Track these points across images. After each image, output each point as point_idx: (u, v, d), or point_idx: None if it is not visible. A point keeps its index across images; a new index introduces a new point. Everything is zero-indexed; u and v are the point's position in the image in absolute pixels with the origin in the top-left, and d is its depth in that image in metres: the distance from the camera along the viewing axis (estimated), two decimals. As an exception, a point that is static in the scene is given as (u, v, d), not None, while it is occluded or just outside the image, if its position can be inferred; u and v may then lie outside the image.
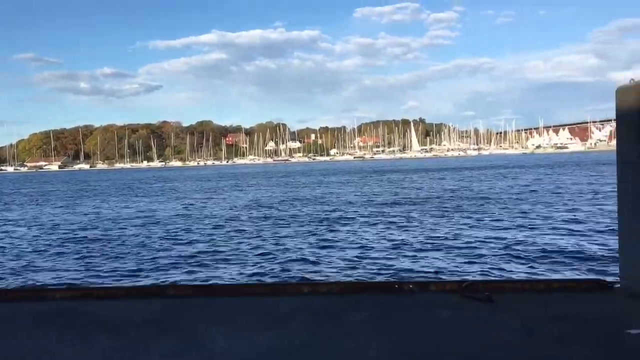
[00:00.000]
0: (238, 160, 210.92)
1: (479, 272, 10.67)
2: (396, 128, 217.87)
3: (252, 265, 12.20)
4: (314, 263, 12.16)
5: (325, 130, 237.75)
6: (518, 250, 13.02)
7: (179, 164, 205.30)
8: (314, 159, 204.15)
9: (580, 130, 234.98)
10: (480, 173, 57.33)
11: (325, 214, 22.49)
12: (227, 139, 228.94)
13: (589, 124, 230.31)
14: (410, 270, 11.02)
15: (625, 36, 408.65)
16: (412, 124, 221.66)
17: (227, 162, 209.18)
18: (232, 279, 10.78)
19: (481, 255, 12.45)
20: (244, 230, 18.34)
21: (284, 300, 4.20)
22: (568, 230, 15.95)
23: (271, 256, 13.27)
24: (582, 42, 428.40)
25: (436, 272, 10.94)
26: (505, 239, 14.68)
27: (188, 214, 25.09)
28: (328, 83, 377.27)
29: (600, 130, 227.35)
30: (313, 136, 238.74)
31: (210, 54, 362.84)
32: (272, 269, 11.67)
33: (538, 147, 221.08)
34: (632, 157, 4.18)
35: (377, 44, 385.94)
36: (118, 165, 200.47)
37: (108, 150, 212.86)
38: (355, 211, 23.20)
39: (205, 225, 20.28)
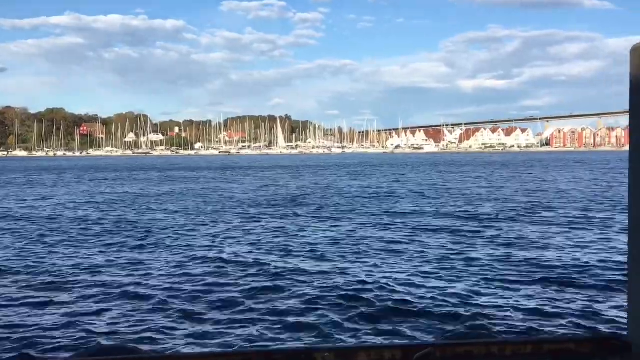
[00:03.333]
0: (93, 152, 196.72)
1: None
2: (263, 124, 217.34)
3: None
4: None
5: (190, 123, 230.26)
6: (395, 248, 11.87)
7: (24, 154, 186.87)
8: (177, 153, 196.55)
9: (434, 132, 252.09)
10: (355, 171, 57.84)
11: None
12: (82, 128, 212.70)
13: (442, 127, 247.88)
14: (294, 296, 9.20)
15: (471, 47, 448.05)
16: (278, 120, 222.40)
17: (81, 153, 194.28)
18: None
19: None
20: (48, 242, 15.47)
21: None
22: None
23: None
24: (434, 51, 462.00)
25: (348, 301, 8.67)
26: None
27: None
28: (193, 76, 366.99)
29: (451, 133, 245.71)
30: (177, 129, 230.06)
31: (64, 37, 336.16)
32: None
33: (397, 147, 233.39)
34: None
35: (243, 39, 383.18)
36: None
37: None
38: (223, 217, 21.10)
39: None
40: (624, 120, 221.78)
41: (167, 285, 9.63)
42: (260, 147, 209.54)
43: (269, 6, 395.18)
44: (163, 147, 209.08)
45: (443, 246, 13.44)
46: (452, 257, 12.10)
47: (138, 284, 9.75)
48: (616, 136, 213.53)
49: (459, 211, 20.54)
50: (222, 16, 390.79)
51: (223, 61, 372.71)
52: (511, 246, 13.36)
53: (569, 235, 15.05)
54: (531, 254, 12.40)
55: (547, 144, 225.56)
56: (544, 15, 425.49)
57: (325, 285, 9.62)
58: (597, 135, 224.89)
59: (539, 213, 20.13)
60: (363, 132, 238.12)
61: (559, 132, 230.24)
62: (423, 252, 12.73)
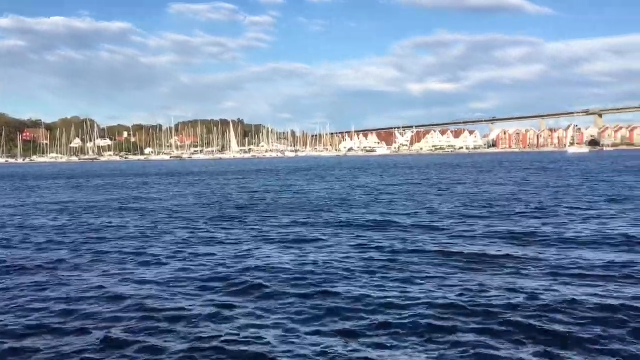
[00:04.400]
0: (37, 158, 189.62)
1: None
2: (215, 128, 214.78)
3: None
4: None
5: (139, 127, 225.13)
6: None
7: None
8: (125, 158, 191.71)
9: (386, 134, 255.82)
10: (315, 174, 57.76)
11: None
12: (24, 134, 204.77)
13: (393, 130, 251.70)
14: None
15: (419, 51, 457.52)
16: (231, 124, 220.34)
17: (24, 159, 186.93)
18: None
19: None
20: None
21: None
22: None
23: None
24: (383, 55, 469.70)
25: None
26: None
27: None
28: (142, 79, 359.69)
29: (402, 136, 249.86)
30: (125, 134, 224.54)
31: (5, 40, 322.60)
32: None
33: (350, 149, 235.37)
34: None
35: (193, 42, 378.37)
36: None
37: None
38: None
39: None
40: (565, 121, 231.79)
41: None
42: (212, 151, 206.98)
43: (218, 9, 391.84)
44: (111, 153, 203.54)
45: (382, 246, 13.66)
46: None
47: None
48: (557, 137, 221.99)
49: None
50: (170, 18, 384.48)
51: (172, 64, 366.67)
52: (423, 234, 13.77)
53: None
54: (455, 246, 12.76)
55: (494, 145, 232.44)
56: (488, 20, 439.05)
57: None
58: (540, 136, 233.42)
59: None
60: (316, 135, 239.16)
61: (505, 133, 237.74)
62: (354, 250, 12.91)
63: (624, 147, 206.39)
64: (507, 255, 11.29)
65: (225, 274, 10.09)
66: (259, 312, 7.81)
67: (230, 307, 8.08)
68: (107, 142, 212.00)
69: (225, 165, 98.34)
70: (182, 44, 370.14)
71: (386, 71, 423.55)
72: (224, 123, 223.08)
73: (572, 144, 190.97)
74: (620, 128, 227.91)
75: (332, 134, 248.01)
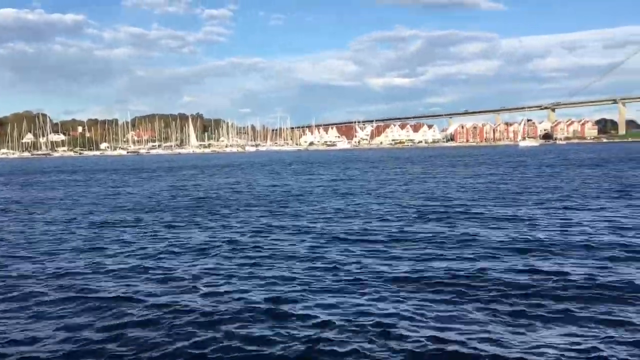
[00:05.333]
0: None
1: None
2: (173, 122, 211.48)
3: None
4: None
5: (94, 122, 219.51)
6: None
7: None
8: (80, 154, 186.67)
9: (346, 129, 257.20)
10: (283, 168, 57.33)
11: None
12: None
13: (353, 124, 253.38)
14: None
15: (379, 46, 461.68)
16: (190, 118, 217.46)
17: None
18: None
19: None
20: None
21: None
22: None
23: None
24: (343, 50, 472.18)
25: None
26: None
27: None
28: (97, 72, 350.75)
29: (363, 130, 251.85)
30: (80, 129, 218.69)
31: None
32: None
33: (311, 144, 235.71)
34: None
35: (150, 35, 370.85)
36: None
37: None
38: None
39: None
40: (520, 116, 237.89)
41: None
42: (171, 146, 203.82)
43: (176, 2, 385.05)
44: (65, 148, 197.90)
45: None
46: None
47: None
48: (513, 131, 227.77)
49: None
50: (125, 11, 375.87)
51: (128, 57, 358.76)
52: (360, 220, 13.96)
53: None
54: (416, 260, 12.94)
55: (452, 139, 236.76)
56: (445, 15, 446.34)
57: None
58: (497, 130, 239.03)
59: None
60: (276, 129, 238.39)
61: (462, 127, 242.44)
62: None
63: (576, 140, 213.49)
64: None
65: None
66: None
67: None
68: (61, 137, 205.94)
69: (184, 161, 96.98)
70: (139, 37, 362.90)
71: (346, 65, 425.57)
72: (183, 118, 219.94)
73: (524, 138, 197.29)
74: (573, 122, 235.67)
75: (292, 128, 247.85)
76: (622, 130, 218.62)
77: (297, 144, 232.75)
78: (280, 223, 16.71)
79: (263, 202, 23.03)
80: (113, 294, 8.98)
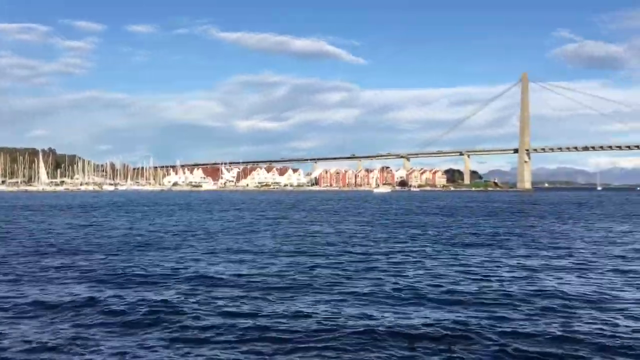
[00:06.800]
0: None
1: None
2: (21, 157, 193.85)
3: None
4: None
5: None
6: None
7: None
8: None
9: (212, 170, 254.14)
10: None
11: None
12: None
13: (220, 165, 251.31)
14: None
15: (246, 90, 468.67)
16: (40, 153, 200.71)
17: None
18: None
19: None
20: None
21: None
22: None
23: None
24: (210, 90, 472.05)
25: None
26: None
27: None
28: None
29: (229, 172, 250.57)
30: None
31: None
32: None
33: (175, 184, 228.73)
34: None
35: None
36: None
37: None
38: None
39: None
40: (379, 163, 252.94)
41: None
42: (17, 182, 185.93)
43: (30, 30, 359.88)
44: None
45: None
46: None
47: None
48: (373, 177, 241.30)
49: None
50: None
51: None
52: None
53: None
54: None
55: (316, 183, 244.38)
56: (311, 64, 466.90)
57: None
58: (358, 176, 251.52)
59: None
60: (138, 168, 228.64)
61: (326, 172, 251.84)
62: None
63: (429, 188, 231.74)
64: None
65: None
66: None
67: None
68: None
69: (35, 199, 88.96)
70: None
71: (213, 106, 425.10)
72: (33, 152, 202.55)
73: (378, 185, 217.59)
74: (425, 171, 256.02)
75: (156, 167, 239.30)
76: (467, 180, 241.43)
77: (160, 184, 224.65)
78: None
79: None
80: None
